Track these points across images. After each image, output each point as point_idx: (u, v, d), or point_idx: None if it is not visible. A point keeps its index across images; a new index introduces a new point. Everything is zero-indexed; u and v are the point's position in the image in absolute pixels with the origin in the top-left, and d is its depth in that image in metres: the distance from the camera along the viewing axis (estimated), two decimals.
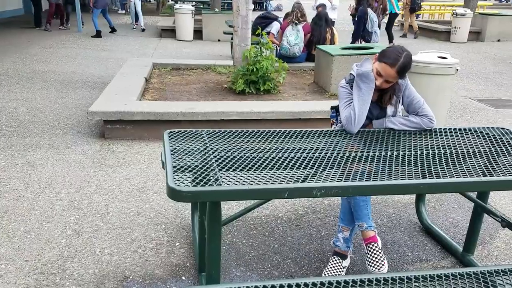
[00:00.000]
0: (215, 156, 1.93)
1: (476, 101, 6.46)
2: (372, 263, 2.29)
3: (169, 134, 2.22)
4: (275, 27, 7.74)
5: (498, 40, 12.86)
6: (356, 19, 8.60)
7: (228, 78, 6.07)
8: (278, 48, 7.37)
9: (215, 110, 4.42)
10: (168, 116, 4.33)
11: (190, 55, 9.40)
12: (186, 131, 2.27)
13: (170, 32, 11.88)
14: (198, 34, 11.66)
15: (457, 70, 4.42)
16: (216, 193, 1.63)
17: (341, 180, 1.76)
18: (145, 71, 6.04)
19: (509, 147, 2.28)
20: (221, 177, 1.71)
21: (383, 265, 2.28)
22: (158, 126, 4.35)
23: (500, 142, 2.35)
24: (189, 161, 1.86)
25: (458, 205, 3.33)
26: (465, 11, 12.36)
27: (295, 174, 1.79)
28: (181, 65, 6.98)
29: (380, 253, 2.30)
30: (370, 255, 2.30)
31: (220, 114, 4.40)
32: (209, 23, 11.61)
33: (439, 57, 4.45)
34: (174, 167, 1.79)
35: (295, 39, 7.06)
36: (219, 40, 11.34)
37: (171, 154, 1.95)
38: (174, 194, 1.61)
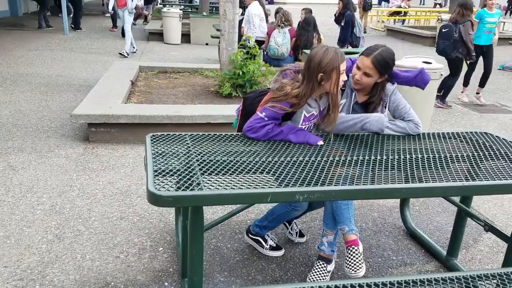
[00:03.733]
0: (197, 160, 1.91)
1: (461, 106, 6.53)
2: (350, 266, 2.28)
3: (151, 137, 2.20)
4: None
5: None
6: (343, 24, 8.62)
7: (215, 82, 6.05)
8: (265, 52, 7.39)
9: (201, 114, 4.39)
10: (154, 119, 4.29)
11: (178, 58, 9.35)
12: (169, 134, 2.25)
13: (157, 36, 11.81)
14: (186, 37, 11.61)
15: (441, 75, 4.46)
16: (198, 198, 1.60)
17: (324, 184, 1.75)
18: (131, 74, 5.99)
19: (492, 152, 2.29)
20: (203, 181, 1.69)
21: (360, 268, 2.26)
22: (144, 129, 4.30)
23: (483, 147, 2.36)
24: (171, 165, 1.83)
25: (442, 209, 3.35)
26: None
27: (278, 178, 1.77)
28: (168, 68, 6.94)
29: (359, 257, 2.29)
30: (349, 258, 2.29)
31: (207, 118, 4.37)
32: (197, 27, 11.57)
33: (423, 62, 4.49)
34: (155, 171, 1.76)
35: (282, 39, 7.13)
36: (207, 44, 11.30)
37: (153, 157, 1.92)
38: (155, 199, 1.58)
